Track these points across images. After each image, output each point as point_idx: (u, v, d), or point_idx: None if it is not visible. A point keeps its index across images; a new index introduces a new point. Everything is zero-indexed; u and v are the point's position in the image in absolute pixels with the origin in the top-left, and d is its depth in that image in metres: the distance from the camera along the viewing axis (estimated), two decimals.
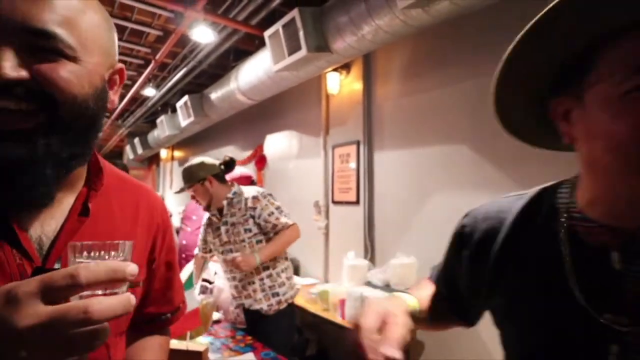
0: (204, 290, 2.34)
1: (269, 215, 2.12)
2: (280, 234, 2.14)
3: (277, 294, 2.14)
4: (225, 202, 2.16)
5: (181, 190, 2.24)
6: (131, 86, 5.20)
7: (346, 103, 3.42)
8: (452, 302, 0.75)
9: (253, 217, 2.12)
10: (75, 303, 0.35)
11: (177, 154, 7.78)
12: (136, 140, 7.74)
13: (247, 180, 2.71)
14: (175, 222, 4.73)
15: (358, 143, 3.25)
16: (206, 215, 2.32)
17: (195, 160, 2.23)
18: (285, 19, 2.58)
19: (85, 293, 0.37)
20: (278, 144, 4.39)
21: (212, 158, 2.32)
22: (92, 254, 0.41)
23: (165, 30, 3.77)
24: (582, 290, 0.51)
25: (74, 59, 0.48)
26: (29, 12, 0.44)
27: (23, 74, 0.44)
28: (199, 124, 4.91)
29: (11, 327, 0.33)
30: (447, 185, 2.61)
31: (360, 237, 3.17)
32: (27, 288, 0.34)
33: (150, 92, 5.26)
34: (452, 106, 2.58)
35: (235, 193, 2.18)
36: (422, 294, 0.75)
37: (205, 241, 2.34)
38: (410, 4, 1.87)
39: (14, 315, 0.33)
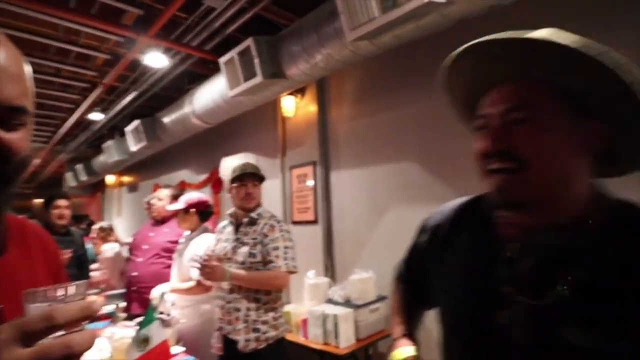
0: (165, 324, 2.26)
1: (273, 249, 2.01)
2: (267, 272, 2.00)
3: (258, 330, 1.99)
4: (246, 220, 2.10)
5: (251, 175, 2.16)
6: (74, 110, 4.99)
7: (302, 125, 3.52)
8: (417, 290, 0.93)
9: (262, 243, 2.04)
10: (56, 340, 0.37)
11: (126, 179, 7.47)
12: (79, 167, 7.35)
13: (204, 206, 2.67)
14: (124, 252, 4.51)
15: (314, 163, 3.35)
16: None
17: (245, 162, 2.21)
18: (241, 46, 2.66)
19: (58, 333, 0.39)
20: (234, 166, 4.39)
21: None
22: (49, 298, 0.42)
23: (114, 54, 3.69)
24: (493, 268, 0.68)
25: (28, 123, 0.55)
26: (8, 91, 0.51)
27: None
28: (151, 148, 4.79)
29: None
30: (400, 201, 2.77)
31: (319, 255, 3.24)
32: (5, 335, 0.36)
33: (96, 116, 5.07)
34: (402, 127, 2.76)
35: (259, 214, 2.13)
36: (405, 322, 0.96)
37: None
38: (358, 38, 2.02)
39: None
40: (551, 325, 0.60)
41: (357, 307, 2.55)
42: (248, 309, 2.00)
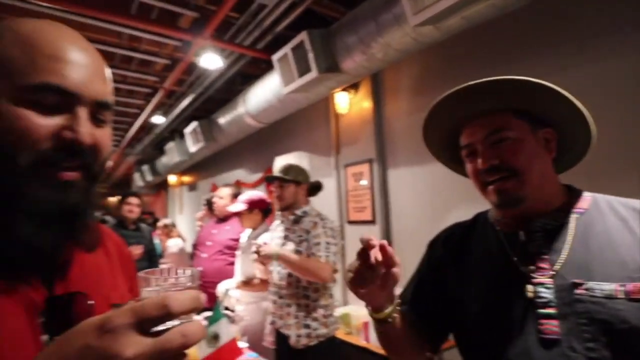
0: (231, 321, 2.28)
1: (315, 244, 2.06)
2: (311, 259, 2.04)
3: (308, 327, 2.05)
4: (292, 218, 2.18)
5: (275, 178, 2.22)
6: (139, 114, 5.25)
7: (356, 122, 3.40)
8: (422, 321, 0.96)
9: (307, 240, 2.08)
10: (174, 330, 0.38)
11: (186, 178, 7.80)
12: (145, 168, 7.79)
13: (265, 204, 2.67)
14: (188, 248, 4.70)
15: (371, 161, 3.21)
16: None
17: (299, 163, 2.27)
18: (294, 41, 2.59)
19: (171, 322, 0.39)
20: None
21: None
22: (163, 283, 0.43)
23: (172, 59, 3.81)
24: (513, 254, 0.83)
25: (109, 122, 0.59)
26: (99, 87, 0.55)
27: (91, 141, 0.53)
28: (208, 149, 4.92)
29: (114, 357, 0.35)
30: (463, 200, 2.55)
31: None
32: (123, 320, 0.36)
33: (158, 119, 5.30)
34: None
35: (305, 212, 2.18)
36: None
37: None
38: (422, 22, 1.86)
39: (115, 347, 0.35)
40: (566, 290, 0.74)
41: None
42: (298, 305, 2.06)
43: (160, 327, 0.38)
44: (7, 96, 0.49)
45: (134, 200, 3.46)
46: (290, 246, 2.11)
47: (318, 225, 2.11)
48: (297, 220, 2.16)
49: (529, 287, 0.77)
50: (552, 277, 0.76)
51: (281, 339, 2.12)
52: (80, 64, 0.53)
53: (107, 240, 0.71)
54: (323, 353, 2.06)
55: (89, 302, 0.55)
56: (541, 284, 0.76)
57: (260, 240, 2.46)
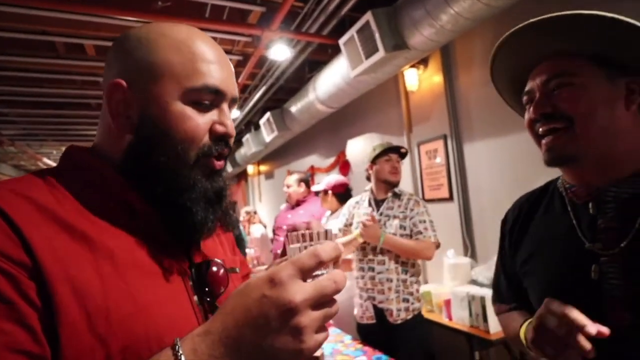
0: None
1: (421, 222, 2.15)
2: (418, 241, 2.13)
3: (407, 300, 2.14)
4: (390, 195, 2.26)
5: (395, 150, 2.33)
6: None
7: (427, 98, 3.32)
8: (519, 301, 0.89)
9: (409, 217, 2.17)
10: (327, 276, 0.45)
11: (263, 168, 8.20)
12: None
13: (343, 187, 2.76)
14: (269, 233, 4.99)
15: (445, 137, 3.13)
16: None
17: (371, 145, 2.38)
18: (359, 23, 2.60)
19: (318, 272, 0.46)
20: (360, 147, 4.41)
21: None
22: (307, 241, 0.50)
23: (244, 54, 4.02)
24: (579, 229, 0.73)
25: None
26: (234, 85, 0.62)
27: (234, 133, 0.62)
28: (282, 138, 5.12)
29: (288, 303, 0.41)
30: (545, 171, 2.37)
31: (457, 234, 3.04)
32: (288, 272, 0.43)
33: (234, 113, 5.63)
34: None
35: (400, 190, 2.28)
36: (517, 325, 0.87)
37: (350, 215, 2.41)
38: None
39: (285, 294, 0.41)
40: (637, 269, 0.64)
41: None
42: (399, 280, 2.13)
43: (316, 273, 0.45)
44: (177, 97, 0.56)
45: None
46: (395, 222, 2.18)
47: (420, 204, 2.20)
48: (398, 196, 2.24)
49: (594, 268, 0.69)
50: (620, 255, 0.66)
51: (379, 314, 2.17)
52: (222, 64, 0.60)
53: None
54: (417, 326, 2.14)
55: (220, 267, 0.63)
56: (608, 264, 0.67)
57: (338, 223, 2.55)
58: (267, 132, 5.00)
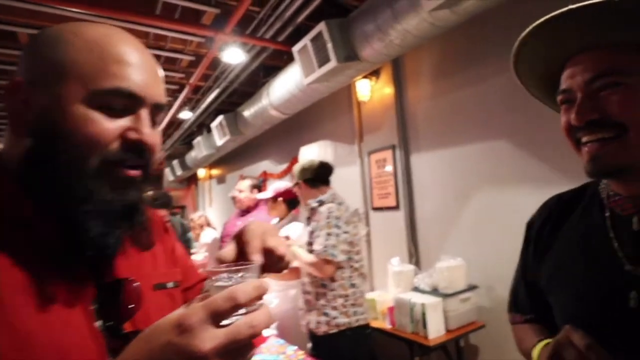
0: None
1: (317, 237, 2.10)
2: (310, 257, 2.09)
3: (327, 315, 2.09)
4: (307, 211, 2.26)
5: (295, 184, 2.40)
6: (168, 111, 5.43)
7: (378, 108, 3.41)
8: (537, 313, 0.81)
9: (316, 231, 2.14)
10: (243, 320, 0.41)
11: (215, 172, 8.01)
12: (175, 162, 8.04)
13: (293, 194, 2.75)
14: (217, 239, 4.87)
15: (394, 147, 3.23)
16: None
17: (322, 152, 2.40)
18: (313, 32, 2.63)
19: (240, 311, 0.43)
20: (313, 154, 4.44)
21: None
22: (230, 277, 0.46)
23: (197, 55, 3.92)
24: (618, 246, 0.63)
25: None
26: (157, 89, 0.58)
27: (152, 141, 0.56)
28: (235, 142, 5.04)
29: (196, 352, 0.38)
30: (488, 182, 2.54)
31: (403, 242, 3.14)
32: (198, 316, 0.40)
33: (186, 115, 5.47)
34: (488, 102, 2.52)
35: (321, 201, 2.22)
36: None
37: None
38: (438, 6, 1.86)
39: (194, 342, 0.38)
40: None
41: (446, 296, 2.41)
42: (317, 294, 2.12)
43: (230, 320, 0.41)
44: (81, 100, 0.51)
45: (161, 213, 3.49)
46: (309, 237, 2.18)
47: (322, 216, 2.11)
48: (314, 212, 2.22)
49: (634, 295, 0.59)
50: None
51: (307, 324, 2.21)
52: (143, 67, 0.55)
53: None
54: (344, 342, 2.07)
55: (135, 286, 0.58)
56: None
57: (291, 231, 2.54)
58: (219, 136, 4.90)
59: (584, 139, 0.62)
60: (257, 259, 0.56)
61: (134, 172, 0.56)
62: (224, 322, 0.41)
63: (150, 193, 0.61)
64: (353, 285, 2.14)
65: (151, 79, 0.57)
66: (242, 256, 0.59)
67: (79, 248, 0.52)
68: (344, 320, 2.08)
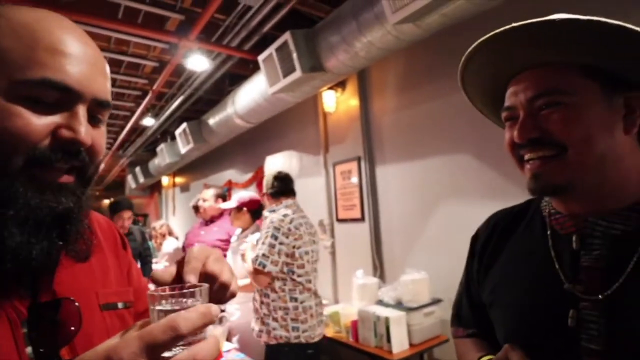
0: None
1: (255, 245, 2.16)
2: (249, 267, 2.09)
3: (267, 324, 2.08)
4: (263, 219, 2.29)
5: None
6: (130, 117, 5.24)
7: (344, 120, 3.42)
8: (480, 327, 0.81)
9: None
10: (185, 354, 0.37)
11: (179, 180, 7.79)
12: (137, 170, 7.77)
13: (257, 204, 2.69)
14: (179, 248, 4.71)
15: (359, 159, 3.23)
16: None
17: (287, 162, 2.39)
18: (278, 42, 2.61)
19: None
20: (278, 164, 4.39)
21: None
22: (173, 302, 0.41)
23: (160, 61, 3.81)
24: (558, 264, 0.64)
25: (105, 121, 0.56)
26: (100, 84, 0.52)
27: (90, 141, 0.50)
28: (199, 150, 4.92)
29: None
30: (452, 195, 2.58)
31: (367, 254, 3.13)
32: (131, 349, 0.35)
33: (149, 121, 5.30)
34: (452, 115, 2.57)
35: (273, 210, 2.23)
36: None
37: None
38: (401, 20, 1.88)
39: None
40: (622, 322, 0.55)
41: (410, 309, 2.40)
42: (261, 302, 2.13)
43: (171, 352, 0.37)
44: (1, 91, 0.45)
45: (126, 214, 3.37)
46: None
47: (265, 224, 2.14)
48: (264, 221, 2.25)
49: (572, 313, 0.59)
50: (604, 302, 0.57)
51: None
52: (82, 59, 0.50)
53: (96, 228, 0.66)
54: (283, 357, 2.05)
55: (74, 307, 0.52)
56: (589, 311, 0.58)
57: (253, 240, 2.48)
58: (183, 143, 4.77)
59: (526, 157, 0.63)
60: (191, 280, 0.49)
61: (65, 178, 0.49)
62: (165, 354, 0.36)
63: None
64: (294, 300, 2.07)
65: (92, 72, 0.51)
66: (179, 279, 0.52)
67: (4, 263, 0.45)
68: (283, 334, 2.05)
